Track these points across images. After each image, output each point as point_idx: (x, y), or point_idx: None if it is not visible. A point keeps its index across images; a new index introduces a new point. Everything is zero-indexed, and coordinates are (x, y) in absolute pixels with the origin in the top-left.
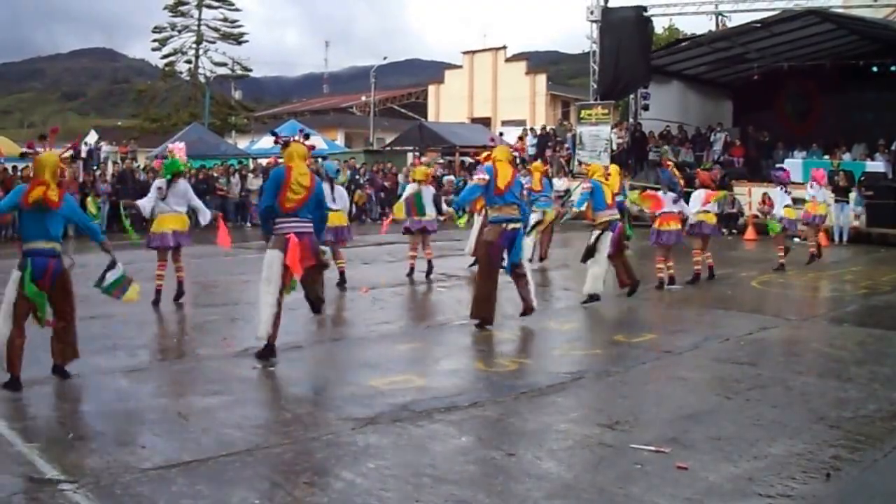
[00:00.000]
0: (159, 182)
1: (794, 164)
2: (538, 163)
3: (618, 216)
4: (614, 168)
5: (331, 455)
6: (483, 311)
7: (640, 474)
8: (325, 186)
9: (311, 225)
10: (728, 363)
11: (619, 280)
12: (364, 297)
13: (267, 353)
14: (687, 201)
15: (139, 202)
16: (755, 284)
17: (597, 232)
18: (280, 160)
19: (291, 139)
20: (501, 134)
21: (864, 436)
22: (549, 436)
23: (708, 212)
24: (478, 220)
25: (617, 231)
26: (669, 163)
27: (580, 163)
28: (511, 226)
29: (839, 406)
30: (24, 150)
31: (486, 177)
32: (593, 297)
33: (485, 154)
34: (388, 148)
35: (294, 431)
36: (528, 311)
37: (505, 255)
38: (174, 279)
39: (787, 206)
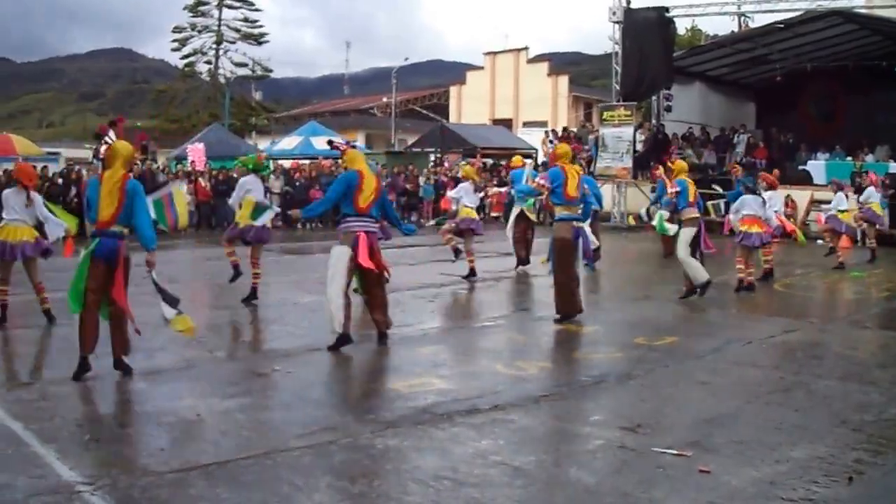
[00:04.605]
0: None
1: (817, 166)
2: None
3: (698, 214)
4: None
5: (350, 458)
6: (568, 307)
7: (663, 478)
8: None
9: (377, 224)
10: (750, 367)
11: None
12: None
13: (340, 344)
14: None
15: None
16: (778, 287)
17: (689, 228)
18: (303, 162)
19: (349, 146)
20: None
21: (886, 439)
22: (570, 439)
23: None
24: (512, 223)
25: (701, 229)
26: (737, 168)
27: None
28: (578, 223)
29: (861, 409)
30: (98, 132)
31: (549, 184)
32: (704, 286)
33: (514, 160)
34: (410, 149)
35: (313, 434)
36: (575, 309)
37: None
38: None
39: (843, 210)
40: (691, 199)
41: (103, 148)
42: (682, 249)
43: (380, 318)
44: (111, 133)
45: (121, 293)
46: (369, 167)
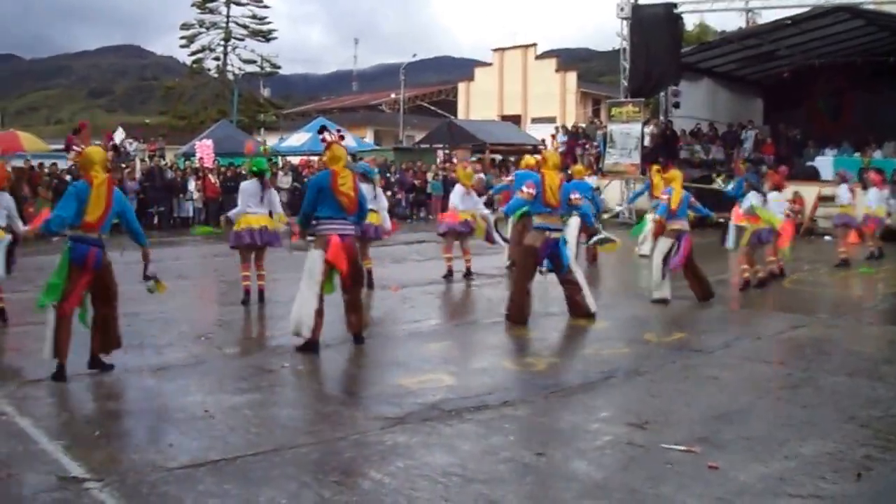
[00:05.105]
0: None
1: (824, 162)
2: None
3: (686, 227)
4: (656, 168)
5: (359, 454)
6: (519, 314)
7: (671, 474)
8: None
9: (354, 227)
10: (759, 362)
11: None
12: (394, 296)
13: (307, 349)
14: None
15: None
16: (786, 283)
17: (667, 239)
18: (312, 158)
19: (335, 139)
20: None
21: (895, 435)
22: (579, 435)
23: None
24: (511, 223)
25: (685, 242)
26: (741, 167)
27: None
28: (553, 234)
29: (870, 405)
30: (66, 144)
31: (533, 191)
32: (658, 301)
33: (526, 159)
34: (418, 146)
35: (322, 431)
36: (582, 315)
37: (546, 261)
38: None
39: (847, 204)
40: (673, 206)
41: (72, 156)
42: (658, 257)
43: (353, 321)
44: (78, 141)
45: (114, 300)
46: (348, 166)
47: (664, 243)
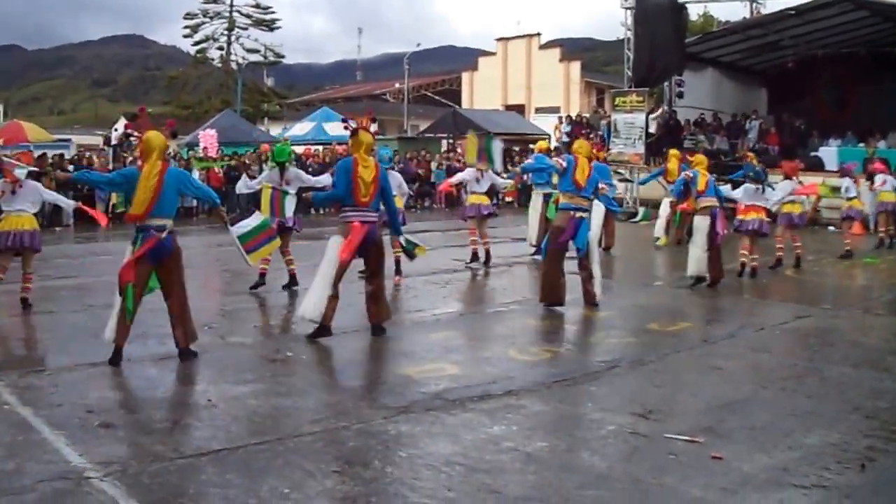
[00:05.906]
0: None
1: (829, 153)
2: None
3: (716, 203)
4: (674, 153)
5: (362, 444)
6: (552, 295)
7: (675, 464)
8: None
9: (377, 216)
10: (763, 352)
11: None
12: (397, 286)
13: (319, 335)
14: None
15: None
16: (790, 273)
17: (702, 217)
18: (316, 148)
19: (360, 127)
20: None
21: None
22: (582, 425)
23: (794, 202)
24: (536, 210)
25: (718, 216)
26: (750, 155)
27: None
28: (578, 214)
29: (875, 396)
30: (127, 132)
31: (564, 164)
32: (700, 280)
33: (540, 144)
34: (422, 135)
35: (325, 420)
36: (591, 303)
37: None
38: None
39: (853, 197)
40: (701, 187)
41: (135, 143)
42: (699, 238)
43: (373, 310)
44: (135, 128)
45: (175, 288)
46: (371, 155)
47: (701, 221)
